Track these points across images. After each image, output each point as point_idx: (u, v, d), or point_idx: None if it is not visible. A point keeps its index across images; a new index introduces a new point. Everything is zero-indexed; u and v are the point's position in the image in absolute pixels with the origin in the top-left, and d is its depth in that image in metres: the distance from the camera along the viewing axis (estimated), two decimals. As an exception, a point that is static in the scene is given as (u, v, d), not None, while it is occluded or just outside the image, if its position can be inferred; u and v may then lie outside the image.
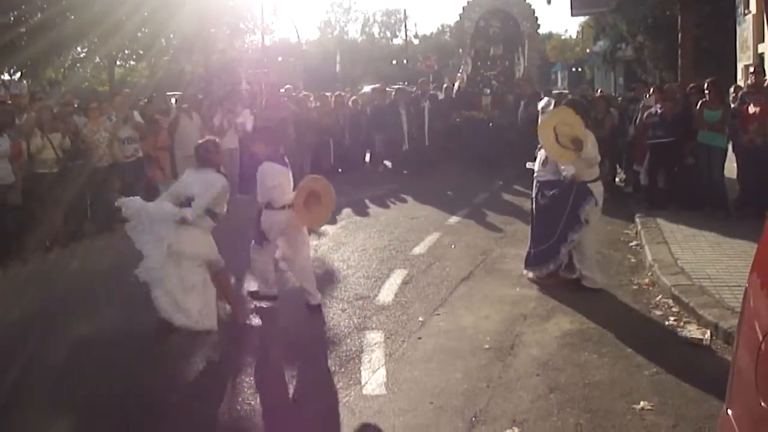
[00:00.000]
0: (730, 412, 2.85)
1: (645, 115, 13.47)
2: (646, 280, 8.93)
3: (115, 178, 13.31)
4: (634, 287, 8.75)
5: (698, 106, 12.21)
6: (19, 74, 22.20)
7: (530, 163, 9.49)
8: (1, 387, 6.28)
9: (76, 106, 15.01)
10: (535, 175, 9.06)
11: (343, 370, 6.54)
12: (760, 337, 2.56)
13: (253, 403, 5.97)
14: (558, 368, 6.32)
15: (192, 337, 7.55)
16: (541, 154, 9.07)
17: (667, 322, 7.43)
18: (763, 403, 2.44)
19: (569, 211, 8.56)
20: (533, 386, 5.98)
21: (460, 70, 23.91)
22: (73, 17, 21.50)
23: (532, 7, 23.31)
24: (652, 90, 14.91)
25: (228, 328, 7.86)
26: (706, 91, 12.14)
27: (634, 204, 13.38)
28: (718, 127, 11.90)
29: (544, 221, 8.80)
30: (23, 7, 20.43)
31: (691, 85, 13.51)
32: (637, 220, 11.93)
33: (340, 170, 18.90)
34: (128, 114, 14.19)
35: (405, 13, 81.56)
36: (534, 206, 9.09)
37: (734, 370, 2.90)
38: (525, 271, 9.15)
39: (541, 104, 9.62)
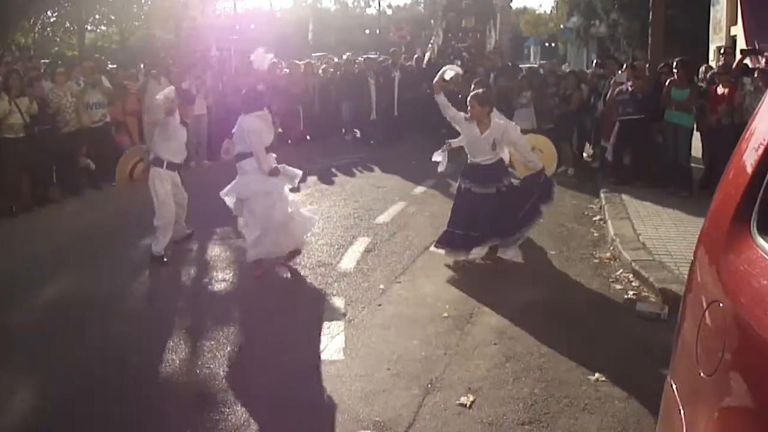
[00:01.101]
0: (672, 383, 2.90)
1: (615, 91, 13.52)
2: (608, 254, 9.00)
3: (81, 143, 13.23)
4: (596, 261, 8.82)
5: (666, 85, 12.26)
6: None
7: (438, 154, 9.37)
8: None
9: (42, 71, 14.87)
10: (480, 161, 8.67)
11: (302, 335, 6.60)
12: (704, 308, 2.60)
13: (211, 366, 5.99)
14: (515, 337, 6.39)
15: (159, 303, 7.62)
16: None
17: (626, 296, 7.50)
18: (702, 374, 2.48)
19: (532, 203, 8.57)
20: (490, 354, 6.04)
21: (431, 41, 23.88)
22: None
23: (505, -19, 23.34)
24: (624, 66, 14.94)
25: (190, 295, 7.90)
26: (675, 70, 12.18)
27: (600, 179, 13.43)
28: (686, 107, 11.95)
29: (494, 209, 8.49)
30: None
31: (662, 63, 13.53)
32: (602, 195, 12.00)
33: (308, 138, 18.87)
34: (96, 79, 14.08)
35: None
36: (475, 191, 8.65)
37: (677, 342, 2.94)
38: (441, 251, 8.75)
39: (446, 73, 9.47)
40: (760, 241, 2.45)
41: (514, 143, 8.63)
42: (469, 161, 8.69)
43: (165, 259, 8.87)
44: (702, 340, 2.57)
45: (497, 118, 8.64)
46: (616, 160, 13.33)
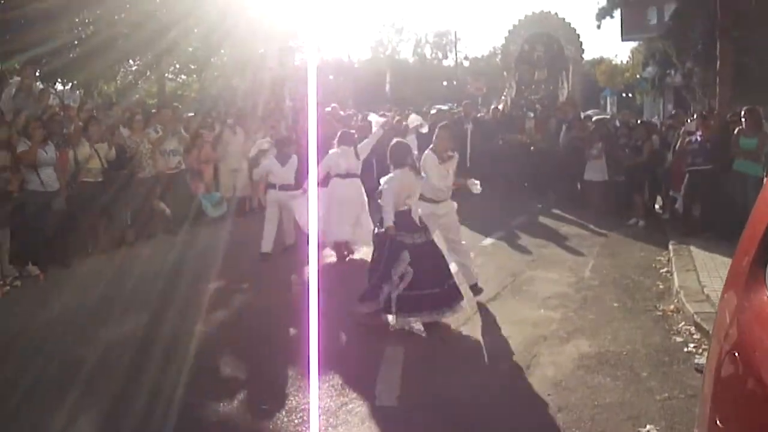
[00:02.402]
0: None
1: (685, 141, 13.45)
2: (672, 307, 8.92)
3: (156, 189, 13.63)
4: (659, 313, 8.76)
5: (734, 134, 12.16)
6: (70, 85, 22.64)
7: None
8: (33, 383, 6.59)
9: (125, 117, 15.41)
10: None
11: (359, 380, 6.69)
12: (722, 357, 2.64)
13: (266, 408, 6.12)
14: (570, 389, 6.39)
15: (215, 338, 7.83)
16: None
17: (686, 349, 7.43)
18: (719, 423, 2.51)
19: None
20: (543, 405, 6.06)
21: (505, 93, 24.01)
22: (129, 37, 21.93)
23: (577, 32, 23.36)
24: (695, 116, 14.84)
25: (250, 336, 8.07)
26: (743, 119, 12.10)
27: (670, 231, 13.32)
28: (755, 156, 11.84)
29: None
30: (80, 28, 20.88)
31: (731, 113, 13.46)
32: (671, 246, 11.90)
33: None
34: (174, 127, 14.52)
35: (456, 35, 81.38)
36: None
37: (702, 390, 2.97)
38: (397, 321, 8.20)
39: (410, 120, 9.74)
40: (774, 290, 2.48)
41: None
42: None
43: None
44: (720, 389, 2.60)
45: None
46: (686, 211, 13.22)
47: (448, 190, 9.17)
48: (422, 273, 8.06)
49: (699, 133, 13.03)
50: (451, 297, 8.23)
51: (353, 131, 11.86)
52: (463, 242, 9.59)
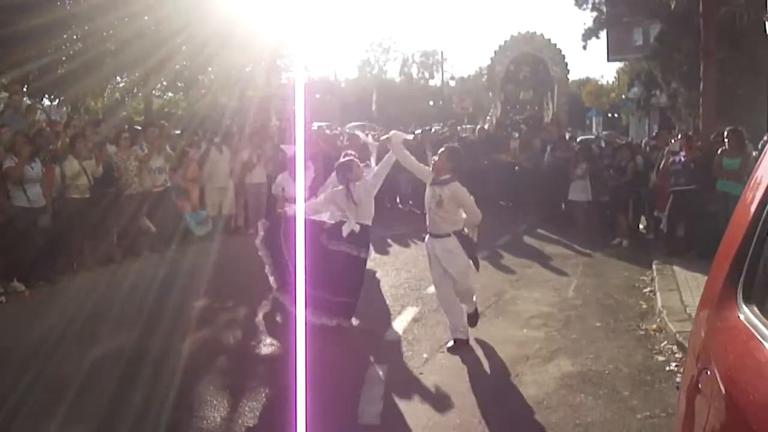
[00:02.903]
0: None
1: (669, 162, 13.56)
2: (654, 326, 8.99)
3: (143, 206, 13.61)
4: (641, 332, 8.81)
5: (718, 155, 12.28)
6: (57, 101, 22.64)
7: None
8: (19, 401, 6.58)
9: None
10: None
11: (343, 399, 6.70)
12: (696, 375, 2.68)
13: (251, 425, 6.18)
14: (552, 408, 6.42)
15: (201, 356, 7.88)
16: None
17: (668, 368, 7.48)
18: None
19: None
20: (525, 425, 6.10)
21: (490, 113, 24.17)
22: (117, 54, 21.98)
23: (563, 52, 23.57)
24: (679, 136, 14.94)
25: (236, 354, 8.10)
26: (726, 140, 12.21)
27: (654, 251, 13.41)
28: (737, 176, 11.92)
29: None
30: (68, 45, 20.93)
31: (714, 133, 13.59)
32: (654, 266, 11.98)
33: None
34: (160, 145, 14.53)
35: (442, 55, 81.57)
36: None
37: (678, 408, 3.01)
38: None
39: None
40: (745, 309, 2.52)
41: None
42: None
43: None
44: (692, 408, 2.64)
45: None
46: (670, 231, 13.31)
47: (439, 220, 8.38)
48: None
49: (683, 153, 13.14)
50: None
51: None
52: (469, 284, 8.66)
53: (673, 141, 14.68)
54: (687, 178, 12.84)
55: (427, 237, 8.60)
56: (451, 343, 8.23)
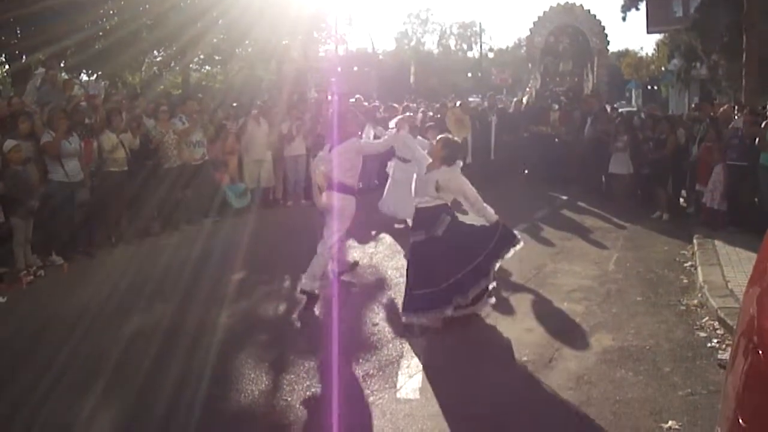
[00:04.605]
0: (718, 429, 2.90)
1: (728, 137, 13.23)
2: (695, 301, 8.87)
3: (181, 180, 13.66)
4: (682, 308, 8.69)
5: (762, 128, 12.02)
6: (95, 76, 22.81)
7: None
8: (58, 375, 6.66)
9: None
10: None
11: (381, 373, 6.71)
12: (748, 354, 2.61)
13: (289, 399, 6.17)
14: (592, 383, 6.37)
15: (238, 329, 8.00)
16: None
17: (709, 344, 7.37)
18: (741, 422, 2.49)
19: (491, 249, 8.08)
20: (564, 400, 6.05)
21: (529, 85, 23.95)
22: (153, 28, 22.07)
23: (602, 24, 23.21)
24: (744, 111, 14.43)
25: (271, 330, 8.13)
26: (770, 113, 11.98)
27: (694, 225, 13.23)
28: (782, 150, 11.70)
29: (433, 258, 8.01)
30: (104, 20, 21.03)
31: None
32: (695, 240, 11.81)
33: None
34: (200, 119, 14.57)
35: (480, 26, 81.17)
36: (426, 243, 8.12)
37: (725, 387, 2.95)
38: (404, 318, 8.06)
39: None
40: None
41: (463, 193, 8.32)
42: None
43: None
44: (743, 387, 2.58)
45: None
46: (729, 207, 12.93)
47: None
48: (420, 271, 8.03)
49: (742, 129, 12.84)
50: (448, 295, 7.84)
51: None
52: None
53: (736, 116, 14.27)
54: (740, 153, 12.57)
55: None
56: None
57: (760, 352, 2.46)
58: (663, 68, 46.90)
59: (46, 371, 6.73)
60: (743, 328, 2.81)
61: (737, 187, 12.64)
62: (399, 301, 8.65)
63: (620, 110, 20.77)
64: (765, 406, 2.32)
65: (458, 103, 20.28)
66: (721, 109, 14.71)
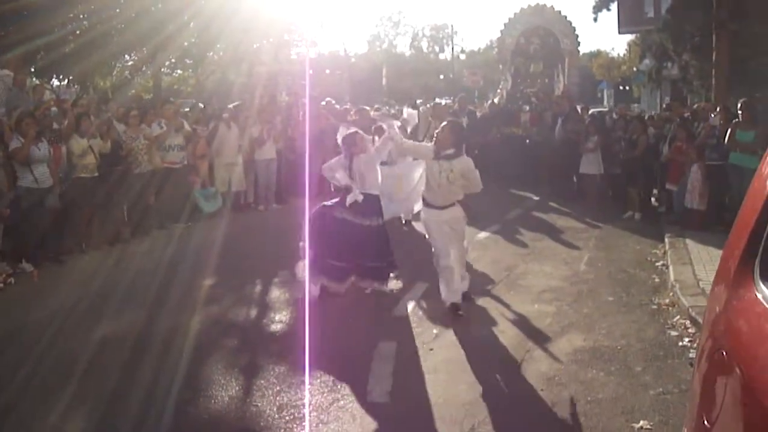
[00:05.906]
0: (685, 429, 2.89)
1: (705, 135, 13.26)
2: (667, 301, 8.90)
3: (152, 185, 13.54)
4: (654, 307, 8.72)
5: (731, 127, 12.09)
6: (65, 81, 22.63)
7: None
8: (27, 381, 6.58)
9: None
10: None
11: (351, 377, 6.64)
12: (711, 354, 2.60)
13: (259, 404, 6.10)
14: (563, 384, 6.36)
15: (213, 336, 7.90)
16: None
17: (681, 343, 7.40)
18: (706, 422, 2.47)
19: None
20: (536, 400, 6.03)
21: (500, 87, 24.03)
22: (124, 32, 21.92)
23: (573, 25, 23.38)
24: (718, 109, 14.45)
25: (244, 333, 8.07)
26: (740, 112, 12.03)
27: (666, 224, 13.28)
28: (751, 149, 11.74)
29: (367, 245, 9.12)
30: (75, 23, 20.87)
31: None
32: (666, 240, 11.86)
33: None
34: (179, 122, 14.48)
35: (452, 28, 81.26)
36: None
37: (691, 387, 2.93)
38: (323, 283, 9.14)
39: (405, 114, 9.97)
40: (762, 287, 2.43)
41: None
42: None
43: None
44: (707, 387, 2.56)
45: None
46: (707, 207, 12.92)
47: (449, 194, 8.43)
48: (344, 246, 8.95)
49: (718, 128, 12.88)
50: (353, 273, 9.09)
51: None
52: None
53: (713, 115, 14.32)
54: (717, 153, 12.63)
55: (426, 210, 8.71)
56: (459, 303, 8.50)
57: (724, 352, 2.44)
58: (634, 68, 47.09)
59: (15, 378, 6.63)
60: (708, 327, 2.79)
61: (715, 187, 12.68)
62: (371, 307, 8.67)
63: (591, 110, 20.81)
64: (728, 406, 2.30)
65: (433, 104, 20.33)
66: (701, 106, 14.75)
